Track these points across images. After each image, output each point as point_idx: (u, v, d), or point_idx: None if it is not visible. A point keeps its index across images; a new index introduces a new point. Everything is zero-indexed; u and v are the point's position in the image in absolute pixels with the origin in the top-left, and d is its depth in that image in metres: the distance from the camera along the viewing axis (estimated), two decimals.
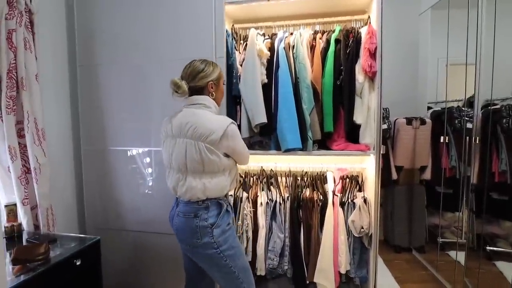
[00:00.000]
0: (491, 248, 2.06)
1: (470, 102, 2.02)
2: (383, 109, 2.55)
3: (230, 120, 1.29)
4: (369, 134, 1.75)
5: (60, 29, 1.90)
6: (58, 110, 1.90)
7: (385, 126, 2.47)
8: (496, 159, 1.96)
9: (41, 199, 1.57)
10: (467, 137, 2.02)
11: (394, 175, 2.59)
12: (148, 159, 1.87)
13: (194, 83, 1.31)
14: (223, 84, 1.41)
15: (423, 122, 2.52)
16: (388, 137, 2.60)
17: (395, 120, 2.62)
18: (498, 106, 1.95)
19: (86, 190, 1.97)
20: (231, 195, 1.86)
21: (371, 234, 1.78)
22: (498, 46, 1.85)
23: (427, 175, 2.53)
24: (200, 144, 1.24)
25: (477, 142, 1.98)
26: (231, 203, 1.45)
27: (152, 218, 1.88)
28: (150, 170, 1.88)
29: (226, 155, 1.30)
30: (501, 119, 1.89)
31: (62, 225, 1.81)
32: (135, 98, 1.86)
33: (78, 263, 1.31)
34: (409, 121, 2.54)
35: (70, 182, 1.98)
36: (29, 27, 1.54)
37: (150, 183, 1.89)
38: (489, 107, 1.97)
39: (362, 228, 1.79)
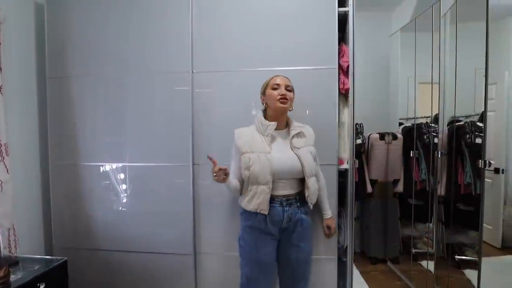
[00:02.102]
0: (459, 257, 2.16)
1: (437, 119, 2.14)
2: (358, 124, 2.65)
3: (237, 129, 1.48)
4: (343, 149, 1.80)
5: (28, 39, 1.82)
6: (25, 124, 1.80)
7: (359, 141, 2.55)
8: (461, 172, 2.08)
9: (2, 219, 1.47)
10: (435, 152, 2.13)
11: (369, 188, 2.66)
12: (122, 175, 1.80)
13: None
14: (272, 89, 1.44)
15: (395, 137, 2.62)
16: (363, 152, 2.68)
17: (369, 135, 2.71)
18: (462, 123, 2.08)
19: (53, 208, 1.86)
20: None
21: (347, 246, 1.80)
22: (460, 66, 1.99)
23: (400, 188, 2.62)
24: None
25: (444, 156, 2.10)
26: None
27: (126, 235, 1.80)
28: (124, 186, 1.82)
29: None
30: (465, 134, 2.01)
31: (26, 247, 1.70)
32: (109, 111, 1.81)
33: (42, 286, 1.24)
34: (382, 136, 2.64)
35: (37, 200, 1.87)
36: None
37: (125, 200, 1.82)
38: (454, 124, 2.09)
39: (338, 241, 1.80)
